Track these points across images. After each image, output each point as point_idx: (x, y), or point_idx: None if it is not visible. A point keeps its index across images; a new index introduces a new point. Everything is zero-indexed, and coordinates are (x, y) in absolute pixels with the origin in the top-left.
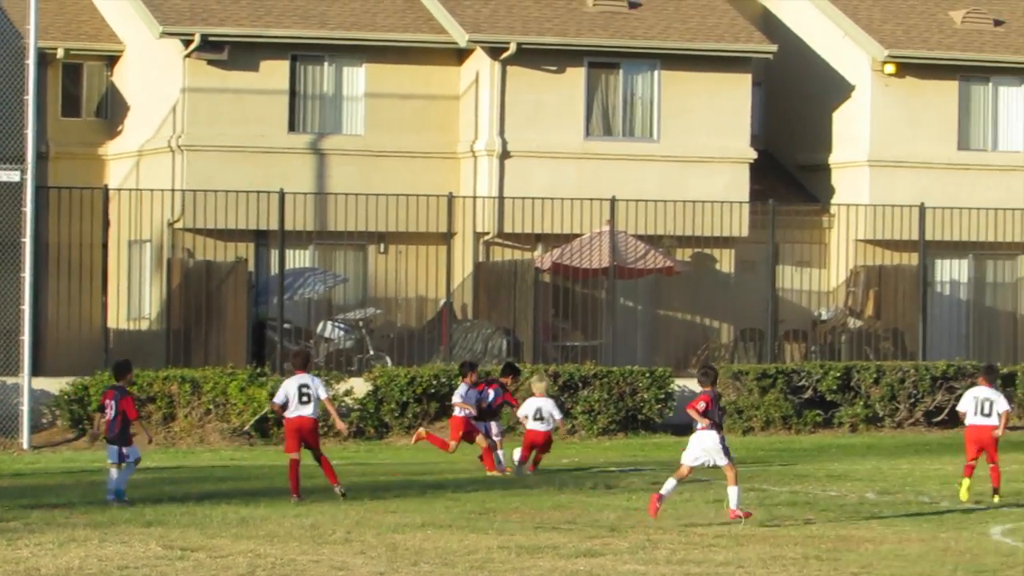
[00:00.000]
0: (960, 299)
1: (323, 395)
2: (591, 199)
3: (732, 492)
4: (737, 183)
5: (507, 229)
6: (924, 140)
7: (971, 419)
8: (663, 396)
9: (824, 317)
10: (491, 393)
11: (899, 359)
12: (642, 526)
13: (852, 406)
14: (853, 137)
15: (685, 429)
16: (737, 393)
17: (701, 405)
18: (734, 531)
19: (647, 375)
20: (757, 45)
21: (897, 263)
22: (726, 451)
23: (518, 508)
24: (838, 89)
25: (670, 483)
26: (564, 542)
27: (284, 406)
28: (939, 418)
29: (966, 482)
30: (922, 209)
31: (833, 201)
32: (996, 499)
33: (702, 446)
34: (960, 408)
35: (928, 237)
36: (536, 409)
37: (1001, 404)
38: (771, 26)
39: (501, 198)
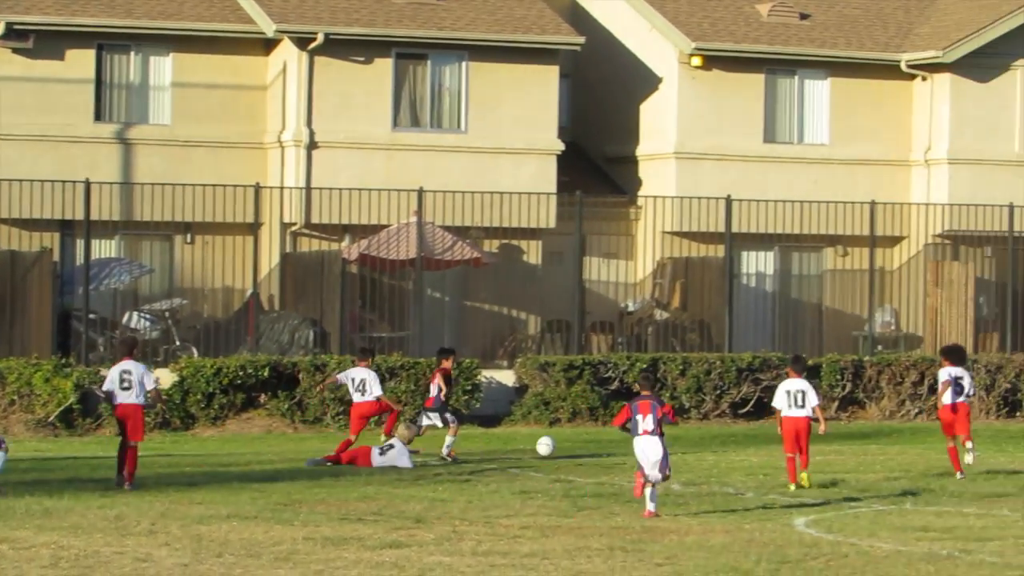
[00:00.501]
0: (766, 291)
1: (148, 384)
2: (399, 190)
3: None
4: (544, 175)
5: (314, 220)
6: (731, 132)
7: (786, 412)
8: (470, 387)
9: (631, 309)
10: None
11: (705, 351)
12: (448, 517)
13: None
14: (660, 129)
15: (492, 420)
16: (544, 384)
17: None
18: (539, 522)
19: (454, 366)
20: (565, 37)
21: (704, 255)
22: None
23: (324, 499)
24: (645, 81)
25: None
26: (370, 533)
27: (112, 393)
28: (745, 409)
29: (803, 475)
30: (728, 201)
31: (640, 193)
32: (792, 488)
33: (643, 455)
34: (775, 404)
35: (734, 229)
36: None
37: (812, 397)
38: (579, 18)
39: (308, 189)
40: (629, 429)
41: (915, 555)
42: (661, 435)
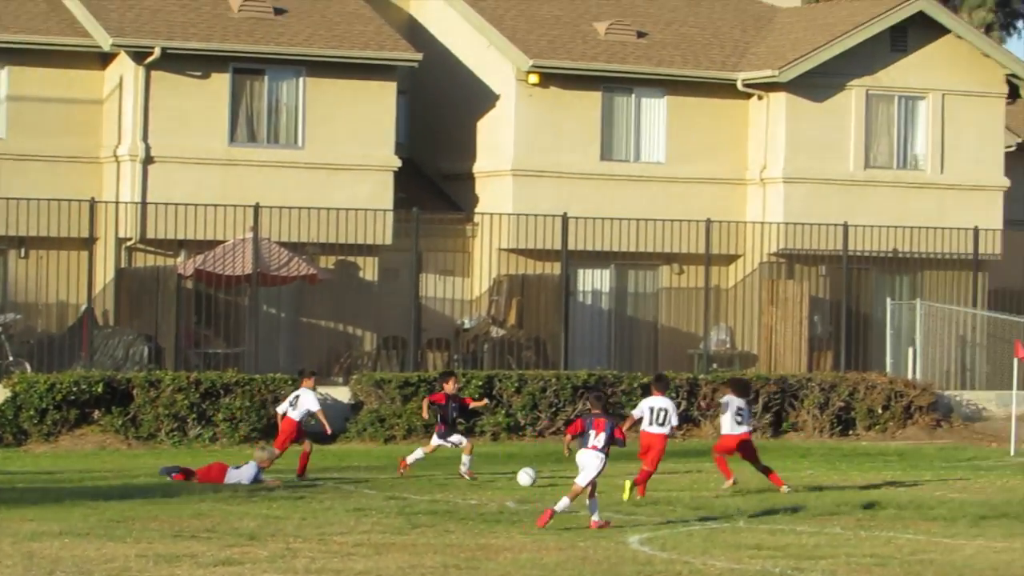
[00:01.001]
0: (602, 308)
1: None
2: (235, 205)
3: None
4: (381, 191)
5: (150, 235)
6: (568, 150)
7: (646, 427)
8: None
9: (467, 326)
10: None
11: (541, 368)
12: (282, 534)
13: (494, 415)
14: (497, 146)
15: (327, 437)
16: (379, 402)
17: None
18: (373, 540)
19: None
20: (402, 53)
21: (540, 272)
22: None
23: (157, 516)
24: (483, 98)
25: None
26: (203, 551)
27: None
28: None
29: (627, 483)
30: (565, 219)
31: (477, 210)
32: (626, 496)
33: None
34: (635, 414)
35: (571, 247)
36: None
37: (673, 417)
38: (417, 35)
39: (144, 203)
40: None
41: (748, 573)
42: (606, 454)
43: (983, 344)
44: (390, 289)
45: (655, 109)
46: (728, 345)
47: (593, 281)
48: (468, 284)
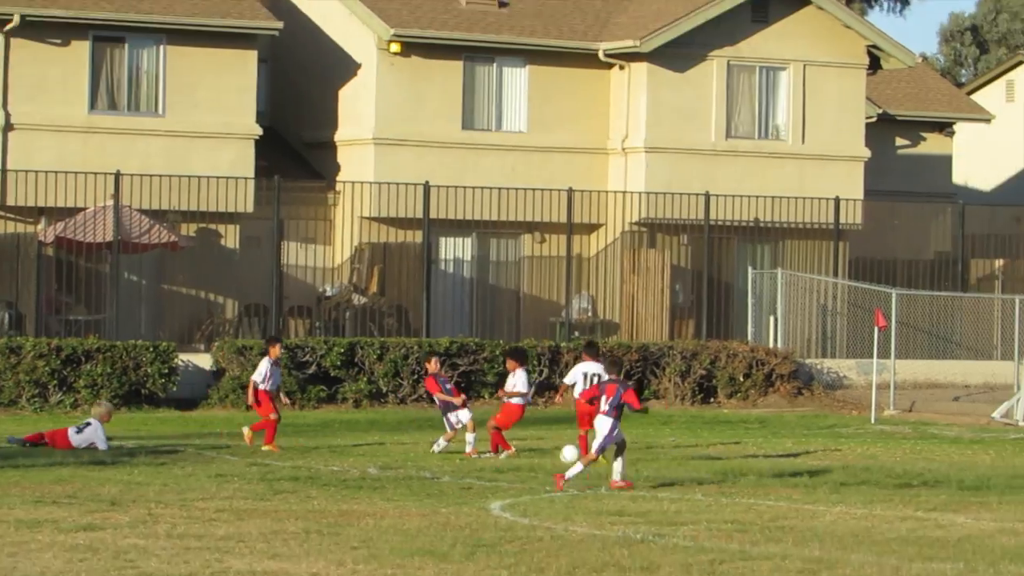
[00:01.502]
0: (464, 277)
1: None
2: (96, 173)
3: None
4: (243, 159)
5: (10, 202)
6: (429, 119)
7: (580, 392)
8: (167, 371)
9: (329, 293)
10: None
11: (403, 336)
12: (143, 500)
13: (356, 382)
14: (359, 115)
15: (188, 404)
16: (241, 368)
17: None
18: (235, 505)
19: (151, 349)
20: (263, 22)
21: (402, 240)
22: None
23: (18, 482)
24: (344, 67)
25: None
26: (64, 516)
27: None
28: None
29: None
30: (426, 187)
31: (339, 178)
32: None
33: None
34: (568, 381)
35: (432, 215)
36: None
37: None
38: (278, 3)
39: (4, 171)
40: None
41: (609, 539)
42: (616, 418)
43: (844, 313)
44: (252, 257)
45: (516, 78)
46: (590, 313)
47: (455, 249)
48: (330, 252)
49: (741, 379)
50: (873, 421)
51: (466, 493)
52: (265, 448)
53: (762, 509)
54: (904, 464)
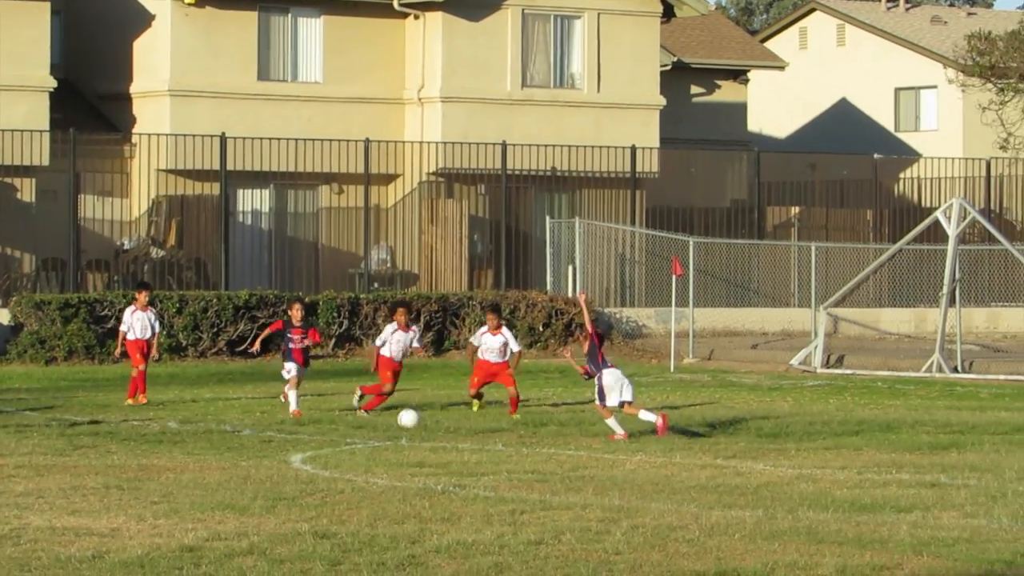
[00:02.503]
0: (262, 229)
1: None
2: None
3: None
4: (37, 112)
5: None
6: (225, 70)
7: (484, 355)
8: None
9: (127, 247)
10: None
11: (202, 289)
12: None
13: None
14: (154, 67)
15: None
16: (39, 323)
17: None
18: (34, 462)
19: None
20: None
21: (200, 193)
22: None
23: None
24: (138, 19)
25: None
26: None
27: None
28: (242, 347)
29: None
30: (223, 139)
31: (135, 131)
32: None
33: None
34: (473, 341)
35: (230, 167)
36: None
37: (513, 345)
38: None
39: None
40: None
41: (410, 491)
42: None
43: (642, 262)
44: (48, 210)
45: (312, 29)
46: (389, 265)
47: (253, 201)
48: (127, 205)
49: (540, 329)
50: (673, 370)
51: (267, 446)
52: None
53: (563, 459)
54: (703, 412)
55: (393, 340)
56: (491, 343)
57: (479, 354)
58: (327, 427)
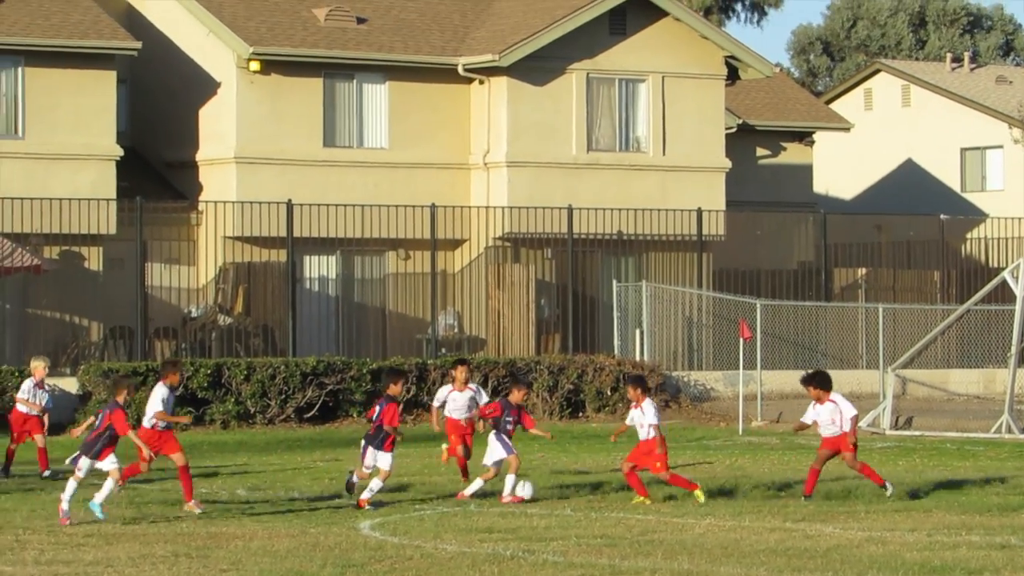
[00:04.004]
0: (329, 295)
1: None
2: None
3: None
4: (104, 180)
5: None
6: (291, 137)
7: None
8: None
9: (194, 314)
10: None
11: (269, 355)
12: (10, 527)
13: (223, 403)
14: (220, 134)
15: (56, 428)
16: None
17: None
18: (104, 530)
19: (15, 375)
20: (121, 42)
21: (266, 260)
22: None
23: None
24: (204, 86)
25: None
26: None
27: None
28: (310, 414)
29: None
30: (289, 205)
31: (201, 198)
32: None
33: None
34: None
35: (296, 234)
36: None
37: (482, 398)
38: (136, 23)
39: None
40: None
41: (479, 556)
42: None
43: (709, 324)
44: (116, 278)
45: (377, 94)
46: (456, 330)
47: (320, 268)
48: (194, 272)
49: (609, 392)
50: (741, 432)
51: (335, 513)
52: None
53: (631, 523)
54: (772, 475)
55: (450, 400)
56: (458, 400)
57: (446, 413)
58: (395, 493)
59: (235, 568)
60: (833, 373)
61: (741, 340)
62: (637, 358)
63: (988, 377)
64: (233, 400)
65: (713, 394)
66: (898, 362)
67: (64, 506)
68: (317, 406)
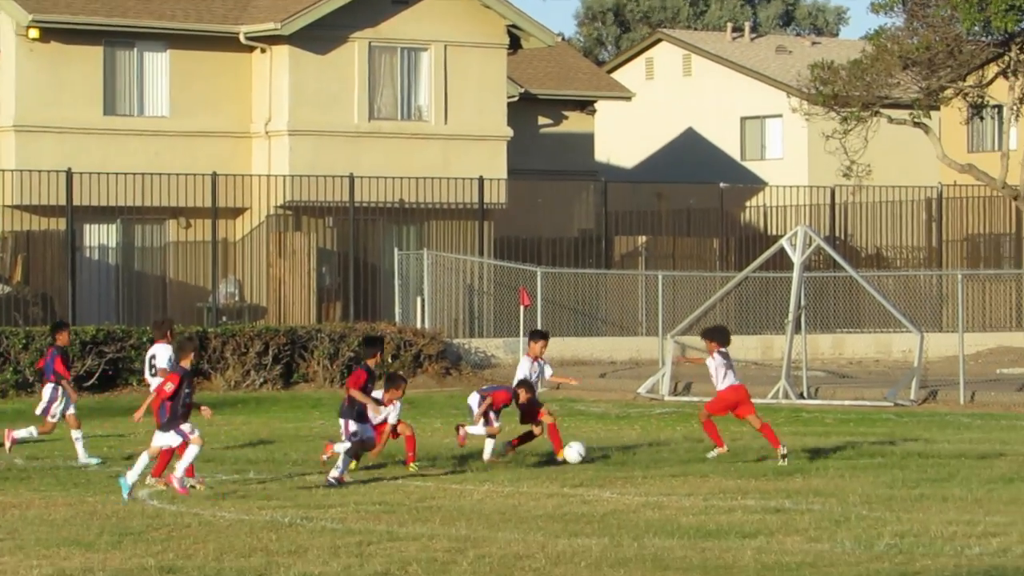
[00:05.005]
0: (109, 264)
1: None
2: None
3: None
4: None
5: None
6: (71, 105)
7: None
8: None
9: None
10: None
11: (48, 324)
12: None
13: (2, 372)
14: None
15: None
16: None
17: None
18: None
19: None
20: None
21: (46, 228)
22: None
23: None
24: None
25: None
26: None
27: None
28: (89, 383)
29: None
30: (69, 174)
31: None
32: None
33: None
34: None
35: (76, 202)
36: None
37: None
38: None
39: None
40: None
41: (257, 524)
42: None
43: (490, 292)
44: None
45: (158, 63)
46: (237, 298)
47: (100, 236)
48: None
49: (390, 360)
50: None
51: (113, 482)
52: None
53: (410, 489)
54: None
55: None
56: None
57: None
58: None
59: (11, 537)
60: (613, 340)
61: (521, 307)
62: (418, 326)
63: (766, 343)
64: (12, 369)
65: (494, 361)
66: (677, 329)
67: None
68: (97, 375)
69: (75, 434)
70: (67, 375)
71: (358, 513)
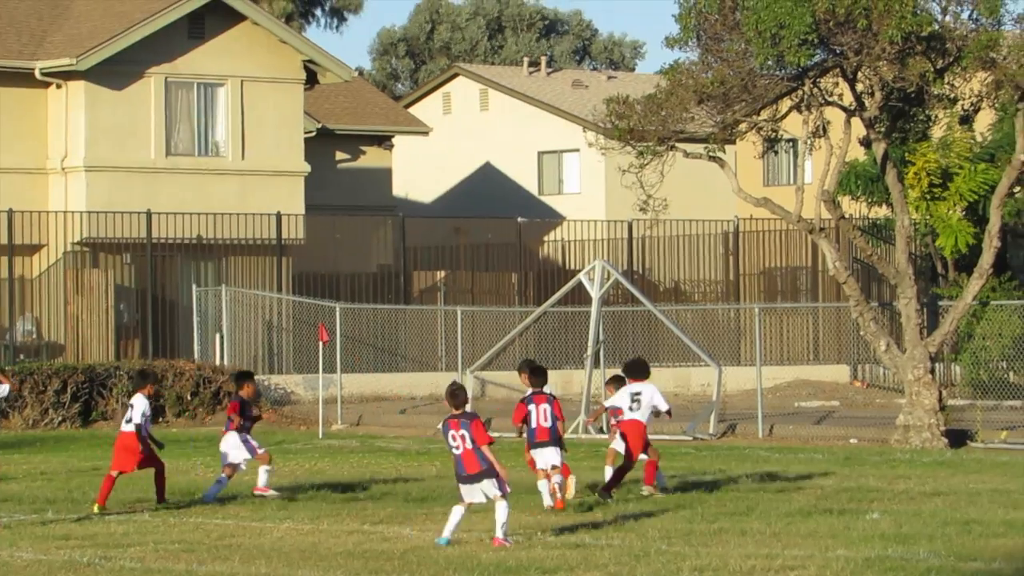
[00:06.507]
0: None
1: None
2: None
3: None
4: None
5: None
6: None
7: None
8: None
9: None
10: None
11: None
12: None
13: None
14: None
15: None
16: None
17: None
18: None
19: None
20: None
21: None
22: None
23: None
24: None
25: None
26: None
27: None
28: None
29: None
30: None
31: None
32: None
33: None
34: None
35: None
36: None
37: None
38: None
39: None
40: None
41: (55, 564)
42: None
43: (289, 328)
44: None
45: None
46: (35, 336)
47: None
48: None
49: (189, 397)
50: (321, 436)
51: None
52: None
53: (210, 528)
54: (351, 478)
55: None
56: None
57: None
58: None
59: None
60: (413, 376)
61: (320, 344)
62: (217, 362)
63: (566, 378)
64: None
65: (294, 398)
66: (476, 364)
67: None
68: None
69: None
70: None
71: (157, 552)
